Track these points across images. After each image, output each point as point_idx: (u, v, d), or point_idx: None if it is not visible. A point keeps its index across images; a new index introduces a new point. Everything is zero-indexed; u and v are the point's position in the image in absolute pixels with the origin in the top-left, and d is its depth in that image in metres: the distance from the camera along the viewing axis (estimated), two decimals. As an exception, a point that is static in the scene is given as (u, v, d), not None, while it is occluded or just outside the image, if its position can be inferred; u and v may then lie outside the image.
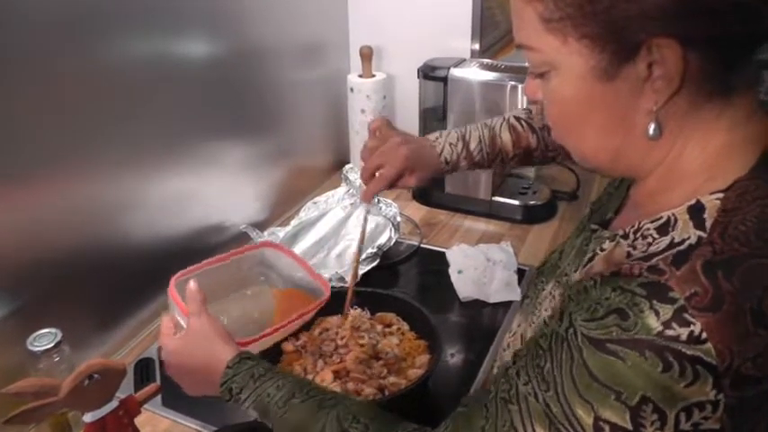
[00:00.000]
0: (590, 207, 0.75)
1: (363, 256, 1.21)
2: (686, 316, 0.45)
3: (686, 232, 0.50)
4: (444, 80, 1.41)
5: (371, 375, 0.91)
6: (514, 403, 0.52)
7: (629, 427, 0.46)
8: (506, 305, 1.16)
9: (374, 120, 0.99)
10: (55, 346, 0.82)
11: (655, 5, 0.47)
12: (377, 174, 0.94)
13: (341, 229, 1.34)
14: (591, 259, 0.59)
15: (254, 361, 0.70)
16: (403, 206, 1.45)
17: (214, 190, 1.27)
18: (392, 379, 0.91)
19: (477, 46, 1.58)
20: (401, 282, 1.27)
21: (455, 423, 0.57)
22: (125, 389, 0.79)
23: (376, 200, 1.31)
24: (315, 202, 1.40)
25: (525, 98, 1.10)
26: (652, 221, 0.53)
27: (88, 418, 0.71)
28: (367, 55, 1.55)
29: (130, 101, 1.02)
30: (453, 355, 1.05)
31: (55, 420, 0.86)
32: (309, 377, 0.92)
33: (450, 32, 1.57)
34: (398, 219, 1.34)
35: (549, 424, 0.49)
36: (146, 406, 0.79)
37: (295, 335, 0.98)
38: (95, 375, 0.68)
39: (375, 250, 1.25)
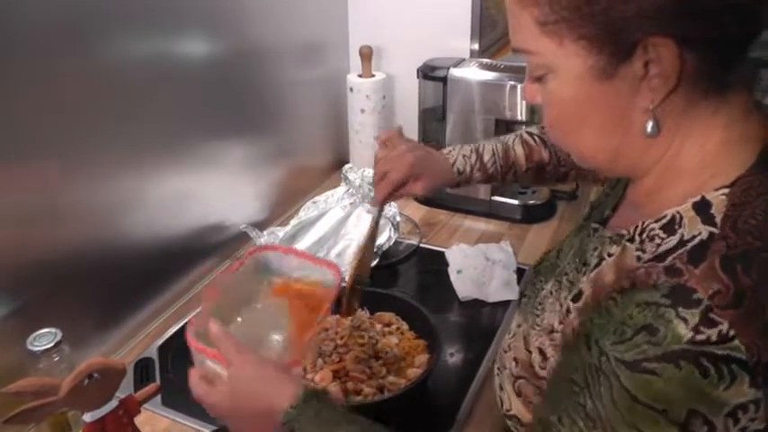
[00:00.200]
0: (590, 205, 0.75)
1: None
2: (713, 316, 0.44)
3: (695, 228, 0.50)
4: (444, 80, 1.41)
5: (371, 375, 0.92)
6: None
7: None
8: (506, 305, 1.16)
9: (384, 131, 0.99)
10: (55, 346, 0.82)
11: (652, 6, 0.47)
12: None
13: (340, 229, 1.34)
14: (597, 265, 0.59)
15: (320, 402, 0.65)
16: (402, 206, 1.45)
17: (214, 190, 1.27)
18: (391, 378, 0.91)
19: (476, 46, 1.58)
20: (400, 281, 1.27)
21: None
22: (125, 388, 0.79)
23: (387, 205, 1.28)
24: (314, 202, 1.40)
25: (524, 100, 1.10)
26: (656, 221, 0.53)
27: (88, 417, 0.72)
28: (367, 55, 1.55)
29: (130, 101, 1.02)
30: (453, 355, 1.05)
31: (55, 420, 0.86)
32: (309, 376, 0.93)
33: (450, 32, 1.57)
34: (398, 218, 1.34)
35: None
36: (145, 405, 0.79)
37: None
38: (95, 375, 0.68)
39: (375, 250, 1.25)
